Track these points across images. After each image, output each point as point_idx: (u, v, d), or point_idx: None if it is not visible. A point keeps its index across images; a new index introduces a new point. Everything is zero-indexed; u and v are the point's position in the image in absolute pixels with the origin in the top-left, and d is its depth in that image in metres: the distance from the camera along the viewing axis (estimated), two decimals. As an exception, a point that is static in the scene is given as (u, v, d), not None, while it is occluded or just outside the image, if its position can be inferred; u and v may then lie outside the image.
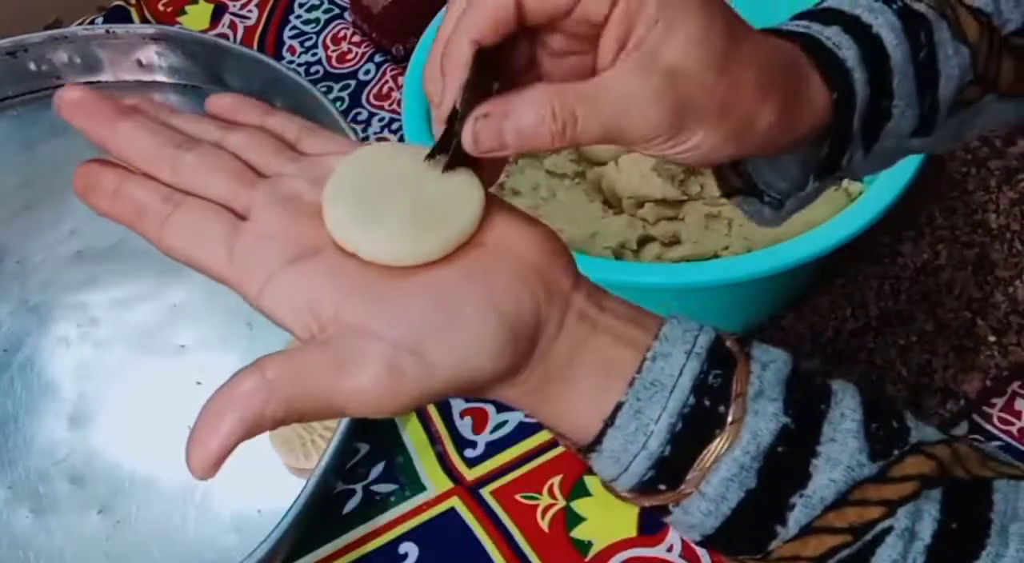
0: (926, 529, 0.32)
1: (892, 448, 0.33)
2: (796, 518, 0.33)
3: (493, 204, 0.34)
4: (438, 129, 0.35)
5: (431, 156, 0.34)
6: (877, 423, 0.34)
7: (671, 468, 0.33)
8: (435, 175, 0.34)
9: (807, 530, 0.33)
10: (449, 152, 0.34)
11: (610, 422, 0.33)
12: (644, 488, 0.33)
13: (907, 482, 0.33)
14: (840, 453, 0.33)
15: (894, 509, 0.32)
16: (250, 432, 0.30)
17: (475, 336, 0.31)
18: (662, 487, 0.33)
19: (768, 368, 0.34)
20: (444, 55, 0.34)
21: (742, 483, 0.32)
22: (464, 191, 0.34)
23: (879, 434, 0.33)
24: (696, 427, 0.32)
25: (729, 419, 0.32)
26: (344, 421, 0.59)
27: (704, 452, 0.32)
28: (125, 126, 0.35)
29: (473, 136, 0.33)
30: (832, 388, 0.35)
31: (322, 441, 0.61)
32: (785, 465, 0.33)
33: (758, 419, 0.33)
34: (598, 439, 0.33)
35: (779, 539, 0.33)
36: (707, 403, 0.32)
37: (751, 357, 0.34)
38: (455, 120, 0.33)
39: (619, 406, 0.33)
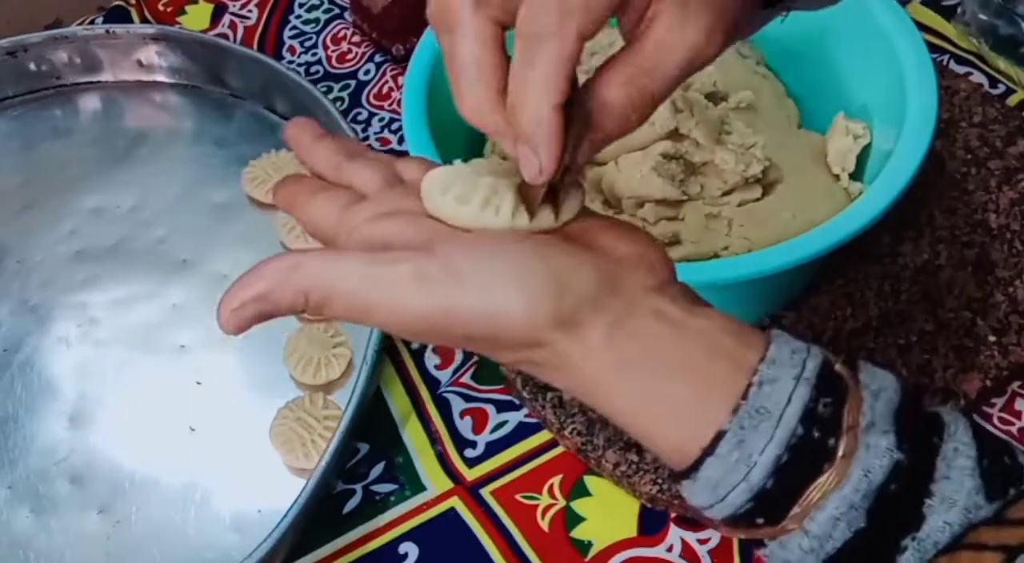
0: None
1: (1008, 487, 0.31)
2: (907, 561, 0.31)
3: (592, 214, 0.35)
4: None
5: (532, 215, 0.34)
6: (990, 459, 0.32)
7: (773, 502, 0.31)
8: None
9: None
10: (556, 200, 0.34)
11: (709, 450, 0.31)
12: (739, 520, 0.31)
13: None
14: (956, 493, 0.31)
15: (1013, 556, 0.30)
16: (271, 309, 0.32)
17: (512, 269, 0.31)
18: (760, 520, 0.31)
19: (880, 397, 0.32)
20: (523, 120, 0.31)
21: (850, 523, 0.30)
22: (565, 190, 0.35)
23: (993, 471, 0.31)
24: (803, 460, 0.30)
25: (840, 453, 0.30)
26: (344, 421, 0.59)
27: (811, 487, 0.30)
28: (348, 167, 0.38)
29: (616, 103, 0.32)
30: (943, 419, 0.32)
31: (322, 441, 0.61)
32: (897, 505, 0.30)
33: (870, 454, 0.30)
34: (694, 466, 0.31)
35: None
36: (816, 435, 0.30)
37: (860, 383, 0.32)
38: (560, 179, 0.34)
39: (720, 434, 0.30)
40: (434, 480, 0.62)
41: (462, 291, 0.31)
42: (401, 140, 0.80)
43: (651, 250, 0.34)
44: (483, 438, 0.63)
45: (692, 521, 0.59)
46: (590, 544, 0.59)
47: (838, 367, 0.32)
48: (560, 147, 0.31)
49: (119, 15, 0.92)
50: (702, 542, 0.58)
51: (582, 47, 0.30)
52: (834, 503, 0.30)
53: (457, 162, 0.37)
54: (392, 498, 0.61)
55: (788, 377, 0.31)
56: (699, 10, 0.31)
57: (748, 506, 0.31)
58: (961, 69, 0.80)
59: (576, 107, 0.32)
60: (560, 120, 0.31)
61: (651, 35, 0.31)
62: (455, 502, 0.61)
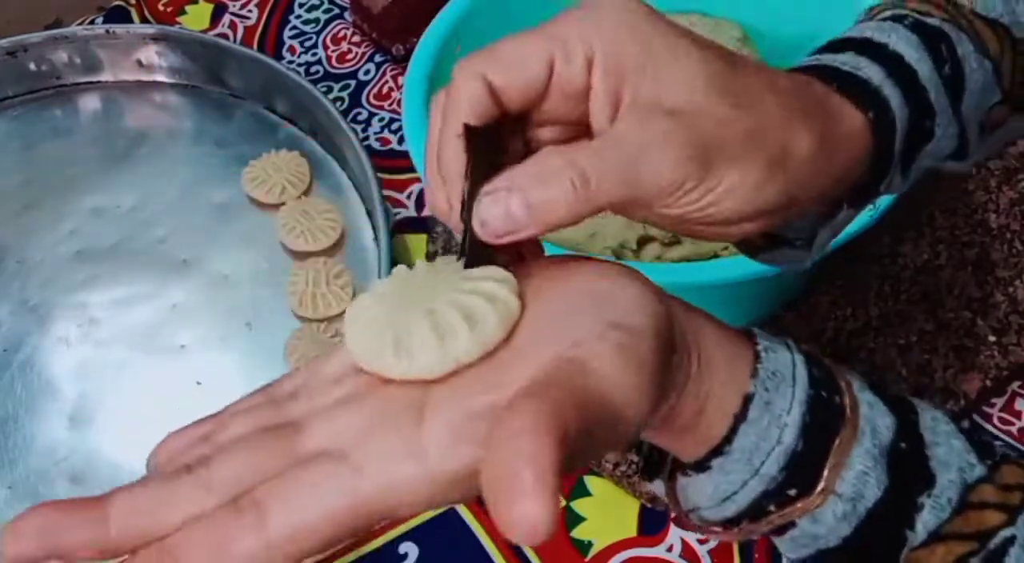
0: None
1: (985, 457, 0.32)
2: (925, 521, 0.31)
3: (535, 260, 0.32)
4: (459, 237, 0.31)
5: (466, 265, 0.30)
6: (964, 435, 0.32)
7: (804, 465, 0.30)
8: (443, 271, 0.30)
9: (935, 536, 0.31)
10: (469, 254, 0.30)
11: (741, 416, 0.30)
12: (769, 498, 0.30)
13: (1014, 492, 0.31)
14: (948, 455, 0.31)
15: (1013, 517, 0.30)
16: (562, 463, 0.23)
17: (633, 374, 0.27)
18: (792, 492, 0.30)
19: (850, 371, 0.32)
20: (439, 162, 0.31)
21: (878, 479, 0.30)
22: (491, 274, 0.30)
23: (972, 439, 0.32)
24: (822, 418, 0.30)
25: (848, 410, 0.30)
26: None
27: (833, 446, 0.30)
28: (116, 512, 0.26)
29: (480, 221, 0.29)
30: (909, 399, 0.33)
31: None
32: (910, 462, 0.31)
33: (873, 412, 0.31)
34: (727, 439, 0.30)
35: (907, 547, 0.31)
36: (824, 394, 0.30)
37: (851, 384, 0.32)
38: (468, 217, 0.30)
39: (748, 398, 0.30)
40: (434, 480, 0.62)
41: (641, 334, 0.28)
42: (401, 140, 0.80)
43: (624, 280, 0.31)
44: (483, 438, 0.63)
45: (692, 521, 0.59)
46: (590, 544, 0.59)
47: (803, 345, 0.33)
48: (461, 179, 0.30)
49: (119, 15, 0.92)
50: (702, 542, 0.58)
51: (491, 93, 0.30)
52: (859, 458, 0.30)
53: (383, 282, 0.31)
54: (392, 498, 0.61)
55: (781, 346, 0.31)
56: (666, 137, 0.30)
57: (782, 476, 0.30)
58: (961, 69, 0.79)
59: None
60: (459, 148, 0.30)
61: (610, 135, 0.30)
62: (455, 502, 0.61)
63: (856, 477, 0.30)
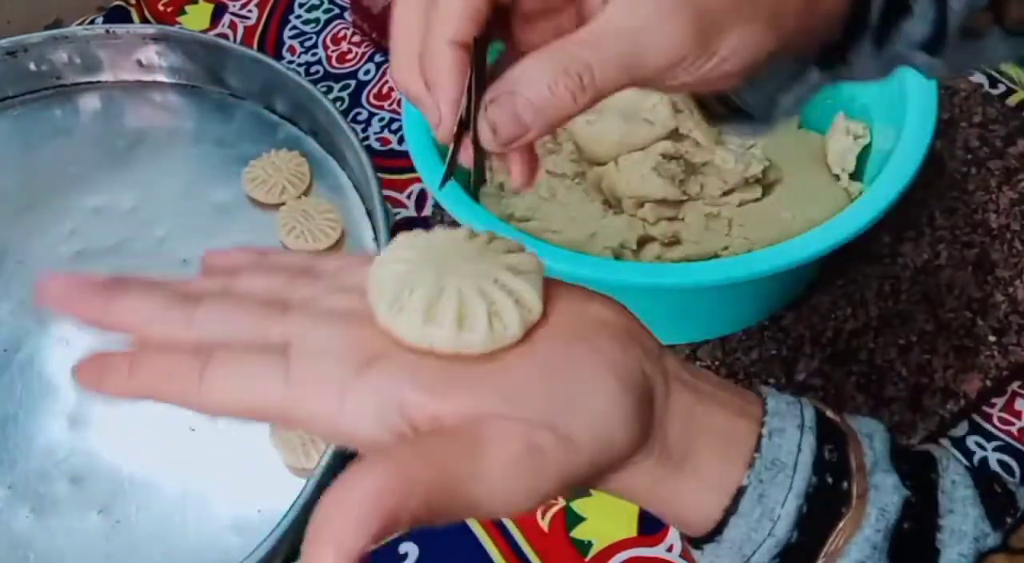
0: None
1: (1004, 515, 0.31)
2: None
3: (550, 280, 0.31)
4: (446, 149, 0.30)
5: (445, 181, 0.30)
6: (982, 489, 0.31)
7: (798, 555, 0.30)
8: (481, 251, 0.30)
9: None
10: (476, 172, 0.29)
11: (732, 509, 0.30)
12: None
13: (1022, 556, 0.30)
14: (963, 523, 0.30)
15: None
16: (383, 536, 0.25)
17: (605, 403, 0.27)
18: None
19: (874, 439, 0.31)
20: (425, 66, 0.30)
21: None
22: (527, 263, 0.30)
23: (988, 501, 0.31)
24: (823, 508, 0.30)
25: (854, 497, 0.30)
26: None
27: (832, 534, 0.30)
28: (120, 298, 0.31)
29: (490, 127, 0.29)
30: (934, 455, 0.32)
31: (322, 441, 0.61)
32: (914, 542, 0.30)
33: (881, 494, 0.30)
34: (717, 528, 0.30)
35: None
36: (829, 480, 0.30)
37: (853, 428, 0.31)
38: (463, 131, 0.29)
39: (741, 490, 0.30)
40: (434, 480, 0.62)
41: (577, 451, 0.27)
42: (401, 140, 0.80)
43: (626, 308, 0.31)
44: (483, 438, 0.63)
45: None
46: (590, 544, 0.59)
47: (830, 414, 0.32)
48: (455, 89, 0.29)
49: (119, 15, 0.92)
50: (702, 542, 0.58)
51: None
52: (857, 547, 0.30)
53: (400, 238, 0.31)
54: (392, 498, 0.61)
55: (792, 426, 0.30)
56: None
57: None
58: (961, 69, 0.80)
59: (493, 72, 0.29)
60: (455, 57, 0.29)
61: (603, 20, 0.29)
62: (455, 502, 0.61)
63: None
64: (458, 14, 0.29)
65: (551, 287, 0.30)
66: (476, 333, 0.28)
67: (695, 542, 0.31)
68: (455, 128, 0.30)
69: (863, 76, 0.37)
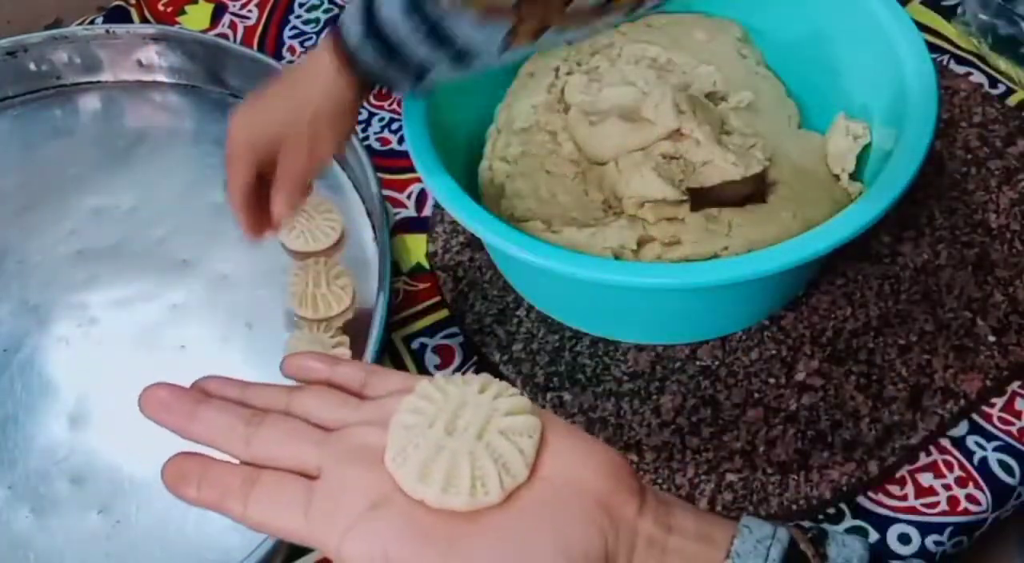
0: None
1: None
2: None
3: (553, 428, 0.34)
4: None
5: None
6: None
7: None
8: (488, 408, 0.34)
9: None
10: None
11: None
12: None
13: None
14: None
15: None
16: None
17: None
18: None
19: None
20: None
21: None
22: (521, 427, 0.34)
23: None
24: None
25: None
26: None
27: None
28: (202, 413, 0.38)
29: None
30: None
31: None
32: None
33: None
34: None
35: None
36: None
37: (827, 558, 0.33)
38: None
39: None
40: (434, 480, 0.62)
41: None
42: (401, 140, 0.80)
43: (621, 464, 0.34)
44: (483, 438, 0.63)
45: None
46: None
47: (803, 546, 0.33)
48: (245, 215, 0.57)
49: (119, 15, 0.92)
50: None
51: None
52: None
53: (423, 386, 0.36)
54: (392, 498, 0.61)
55: (757, 557, 0.32)
56: None
57: None
58: (961, 69, 0.80)
59: None
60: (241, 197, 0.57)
61: None
62: (455, 502, 0.61)
63: None
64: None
65: (554, 440, 0.34)
66: (459, 497, 0.32)
67: None
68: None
69: None
